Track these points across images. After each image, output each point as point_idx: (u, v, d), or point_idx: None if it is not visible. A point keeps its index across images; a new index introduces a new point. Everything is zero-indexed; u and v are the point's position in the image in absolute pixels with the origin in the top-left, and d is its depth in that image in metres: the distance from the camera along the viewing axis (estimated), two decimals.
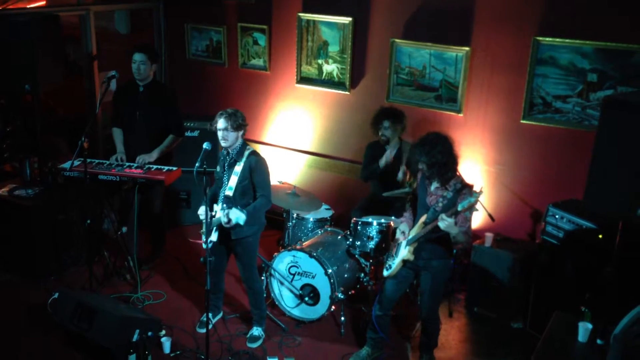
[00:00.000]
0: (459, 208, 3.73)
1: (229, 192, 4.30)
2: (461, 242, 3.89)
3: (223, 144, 4.23)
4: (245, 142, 4.36)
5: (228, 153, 4.33)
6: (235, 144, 4.28)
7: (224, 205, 4.31)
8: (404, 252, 4.13)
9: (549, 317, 3.69)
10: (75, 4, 6.31)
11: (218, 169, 4.42)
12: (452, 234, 3.88)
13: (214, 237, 4.36)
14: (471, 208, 3.74)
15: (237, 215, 4.14)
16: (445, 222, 3.75)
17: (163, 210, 5.68)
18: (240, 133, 4.26)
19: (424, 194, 4.11)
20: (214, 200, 4.46)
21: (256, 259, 4.57)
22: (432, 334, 4.40)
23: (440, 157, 3.89)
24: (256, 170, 4.30)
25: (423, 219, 4.06)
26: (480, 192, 3.72)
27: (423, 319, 4.34)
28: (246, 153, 4.31)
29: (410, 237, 4.11)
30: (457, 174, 4.02)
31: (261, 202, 4.33)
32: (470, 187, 3.99)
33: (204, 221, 4.19)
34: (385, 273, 4.28)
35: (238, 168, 4.29)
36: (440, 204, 3.97)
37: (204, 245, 4.15)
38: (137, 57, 5.17)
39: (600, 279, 4.07)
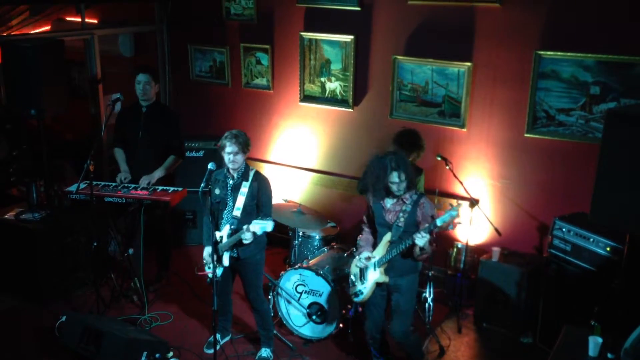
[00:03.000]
0: (439, 223, 3.66)
1: (237, 213, 4.29)
2: (428, 253, 3.82)
3: (232, 166, 4.23)
4: (247, 162, 4.38)
5: (230, 175, 4.32)
6: (242, 165, 4.30)
7: (232, 226, 4.31)
8: (375, 274, 4.06)
9: (558, 332, 3.66)
10: (80, 29, 6.38)
11: (217, 191, 4.34)
12: (420, 247, 3.77)
13: (225, 261, 4.32)
14: (452, 221, 3.68)
15: (262, 225, 4.03)
16: (424, 239, 3.70)
17: (169, 231, 5.68)
18: (246, 155, 4.28)
19: (381, 212, 4.05)
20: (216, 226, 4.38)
21: (262, 278, 4.55)
22: (413, 349, 4.28)
23: (410, 173, 3.91)
24: (262, 189, 4.32)
25: (388, 237, 4.01)
26: (459, 204, 3.67)
27: (399, 340, 4.16)
28: (251, 173, 4.32)
29: (378, 258, 4.04)
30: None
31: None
32: (425, 195, 4.00)
33: (209, 255, 4.29)
34: (358, 299, 4.20)
35: (244, 189, 4.28)
36: (402, 219, 3.93)
37: (210, 276, 4.22)
38: (142, 77, 5.20)
39: (609, 292, 4.04)
